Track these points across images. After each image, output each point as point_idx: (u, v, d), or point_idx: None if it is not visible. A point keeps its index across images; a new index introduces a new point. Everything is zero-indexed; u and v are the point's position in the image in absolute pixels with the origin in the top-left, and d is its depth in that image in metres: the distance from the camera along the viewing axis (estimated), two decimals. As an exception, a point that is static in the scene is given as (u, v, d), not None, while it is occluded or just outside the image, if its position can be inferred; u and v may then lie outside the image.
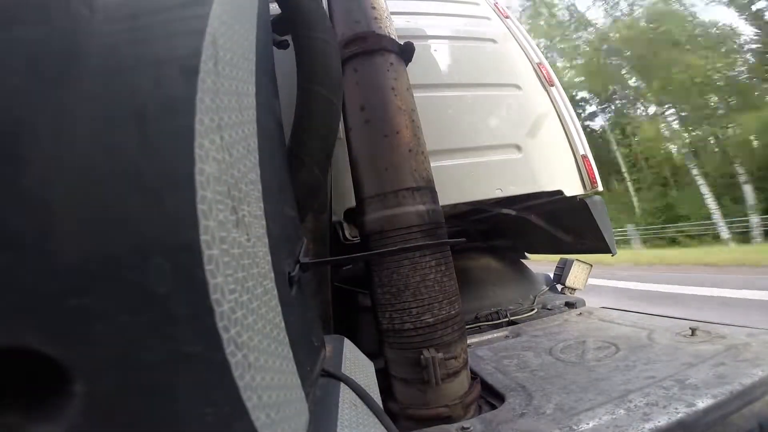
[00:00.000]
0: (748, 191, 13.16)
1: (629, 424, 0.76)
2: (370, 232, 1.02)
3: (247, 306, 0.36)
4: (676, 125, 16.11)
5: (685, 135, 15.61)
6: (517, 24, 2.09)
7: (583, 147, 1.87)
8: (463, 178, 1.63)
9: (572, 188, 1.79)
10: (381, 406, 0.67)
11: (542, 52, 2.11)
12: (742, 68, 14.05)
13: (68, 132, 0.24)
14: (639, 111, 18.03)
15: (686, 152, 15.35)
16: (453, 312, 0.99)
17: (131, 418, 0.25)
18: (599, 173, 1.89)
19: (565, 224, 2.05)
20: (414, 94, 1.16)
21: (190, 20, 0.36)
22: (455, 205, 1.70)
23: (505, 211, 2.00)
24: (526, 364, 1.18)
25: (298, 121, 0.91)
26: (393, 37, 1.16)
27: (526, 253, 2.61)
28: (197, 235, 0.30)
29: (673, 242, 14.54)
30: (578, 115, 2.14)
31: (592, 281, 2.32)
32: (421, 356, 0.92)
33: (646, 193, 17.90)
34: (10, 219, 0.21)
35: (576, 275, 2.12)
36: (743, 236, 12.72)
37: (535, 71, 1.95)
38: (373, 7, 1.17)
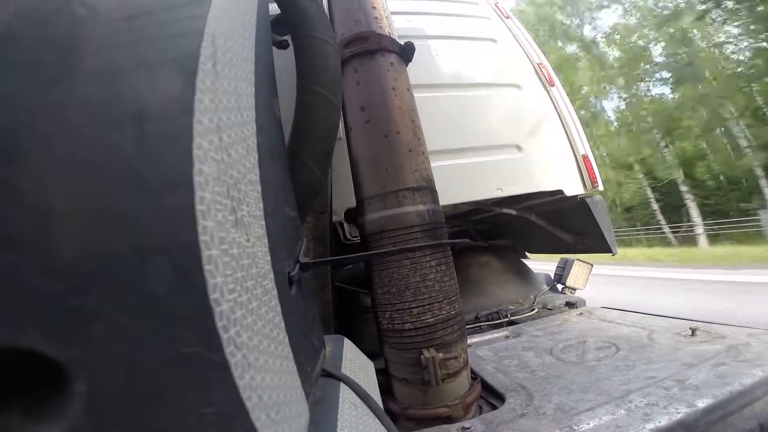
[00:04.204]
0: None
1: (630, 424, 0.76)
2: (370, 232, 1.02)
3: (247, 306, 0.36)
4: None
5: None
6: (518, 24, 2.09)
7: (584, 146, 1.87)
8: (464, 178, 1.63)
9: (573, 188, 1.79)
10: (381, 406, 0.67)
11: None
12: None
13: (67, 132, 0.24)
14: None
15: None
16: (453, 312, 0.99)
17: (131, 418, 0.25)
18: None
19: (565, 224, 2.05)
20: (414, 94, 1.16)
21: (189, 21, 0.36)
22: (456, 205, 1.70)
23: (505, 210, 2.00)
24: (527, 364, 1.18)
25: (297, 121, 0.91)
26: (393, 37, 1.16)
27: (526, 253, 2.61)
28: (196, 235, 0.30)
29: None
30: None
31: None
32: (422, 356, 0.92)
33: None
34: (10, 219, 0.21)
35: (576, 275, 2.12)
36: None
37: (536, 71, 1.95)
38: (374, 7, 1.17)
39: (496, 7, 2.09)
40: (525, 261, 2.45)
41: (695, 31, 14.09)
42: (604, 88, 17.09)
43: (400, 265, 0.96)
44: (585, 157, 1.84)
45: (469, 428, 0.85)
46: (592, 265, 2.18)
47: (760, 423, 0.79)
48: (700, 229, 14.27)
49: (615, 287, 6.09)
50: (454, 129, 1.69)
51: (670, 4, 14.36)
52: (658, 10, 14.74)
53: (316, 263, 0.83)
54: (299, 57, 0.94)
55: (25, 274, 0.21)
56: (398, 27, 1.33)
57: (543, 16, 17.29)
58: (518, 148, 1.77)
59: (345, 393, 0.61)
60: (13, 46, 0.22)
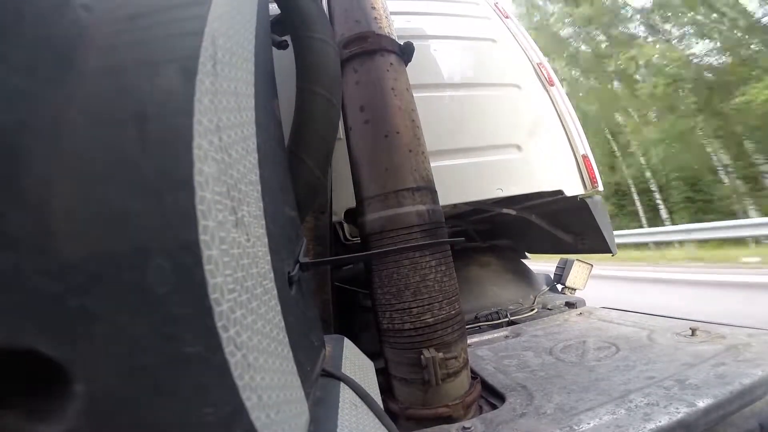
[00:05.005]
0: None
1: (630, 423, 0.76)
2: (370, 232, 1.02)
3: (247, 306, 0.36)
4: None
5: None
6: (517, 24, 2.09)
7: (584, 146, 1.87)
8: (464, 178, 1.63)
9: (573, 188, 1.79)
10: (381, 406, 0.67)
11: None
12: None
13: (67, 133, 0.24)
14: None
15: None
16: (453, 312, 0.99)
17: (131, 418, 0.25)
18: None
19: (565, 224, 2.05)
20: (414, 94, 1.16)
21: (189, 21, 0.36)
22: (455, 205, 1.70)
23: (505, 211, 2.00)
24: (527, 364, 1.18)
25: (297, 121, 0.92)
26: (393, 37, 1.16)
27: (526, 253, 2.61)
28: (196, 235, 0.30)
29: None
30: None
31: None
32: (422, 356, 0.92)
33: None
34: (10, 219, 0.21)
35: (576, 275, 2.12)
36: None
37: (535, 71, 1.95)
38: (373, 7, 1.18)
39: (496, 7, 2.09)
40: (525, 261, 2.45)
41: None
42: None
43: (400, 265, 0.96)
44: (585, 157, 1.84)
45: (469, 428, 0.85)
46: (591, 266, 2.18)
47: (760, 422, 0.80)
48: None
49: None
50: (454, 129, 1.69)
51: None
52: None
53: (316, 263, 0.83)
54: (299, 57, 0.94)
55: (25, 274, 0.21)
56: (398, 27, 1.33)
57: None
58: (518, 148, 1.77)
59: (345, 393, 0.61)
60: (13, 46, 0.22)
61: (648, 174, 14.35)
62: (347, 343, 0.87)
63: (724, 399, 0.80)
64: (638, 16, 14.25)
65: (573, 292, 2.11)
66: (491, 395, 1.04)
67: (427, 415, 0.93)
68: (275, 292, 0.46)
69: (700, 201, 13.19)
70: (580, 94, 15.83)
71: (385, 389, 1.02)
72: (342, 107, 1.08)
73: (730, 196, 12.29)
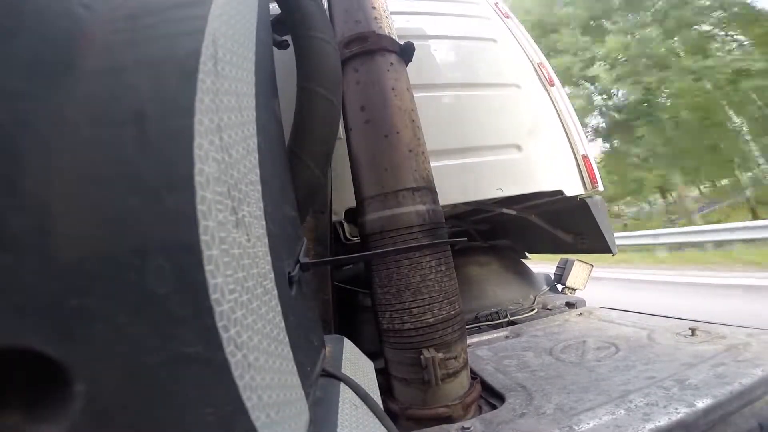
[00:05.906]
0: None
1: (629, 424, 0.76)
2: (370, 232, 1.02)
3: (247, 306, 0.36)
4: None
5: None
6: (518, 24, 2.09)
7: (584, 146, 1.87)
8: (464, 178, 1.63)
9: (573, 188, 1.79)
10: (381, 406, 0.67)
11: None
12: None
13: (68, 133, 0.24)
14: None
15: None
16: (453, 312, 0.99)
17: (131, 418, 0.25)
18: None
19: (565, 224, 2.05)
20: (414, 94, 1.16)
21: (190, 20, 0.36)
22: (455, 205, 1.70)
23: (505, 211, 2.00)
24: (526, 364, 1.18)
25: (297, 121, 0.92)
26: (393, 37, 1.16)
27: (526, 253, 2.61)
28: (197, 235, 0.30)
29: None
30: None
31: None
32: (421, 356, 0.92)
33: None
34: (10, 219, 0.21)
35: (576, 275, 2.12)
36: None
37: (536, 71, 1.95)
38: (374, 7, 1.17)
39: (496, 7, 2.09)
40: (525, 261, 2.45)
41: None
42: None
43: (400, 265, 0.96)
44: (585, 158, 1.84)
45: (468, 428, 0.85)
46: (592, 266, 2.18)
47: (759, 422, 0.79)
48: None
49: None
50: (454, 129, 1.69)
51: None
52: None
53: (316, 263, 0.83)
54: (299, 57, 0.94)
55: (25, 274, 0.21)
56: (398, 27, 1.33)
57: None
58: (518, 148, 1.77)
59: (345, 393, 0.61)
60: (13, 46, 0.22)
61: None
62: (347, 343, 0.87)
63: (724, 399, 0.80)
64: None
65: (573, 292, 2.11)
66: (491, 395, 1.04)
67: (426, 416, 0.93)
68: (275, 292, 0.46)
69: None
70: None
71: (385, 389, 1.02)
72: (342, 107, 1.07)
73: None
